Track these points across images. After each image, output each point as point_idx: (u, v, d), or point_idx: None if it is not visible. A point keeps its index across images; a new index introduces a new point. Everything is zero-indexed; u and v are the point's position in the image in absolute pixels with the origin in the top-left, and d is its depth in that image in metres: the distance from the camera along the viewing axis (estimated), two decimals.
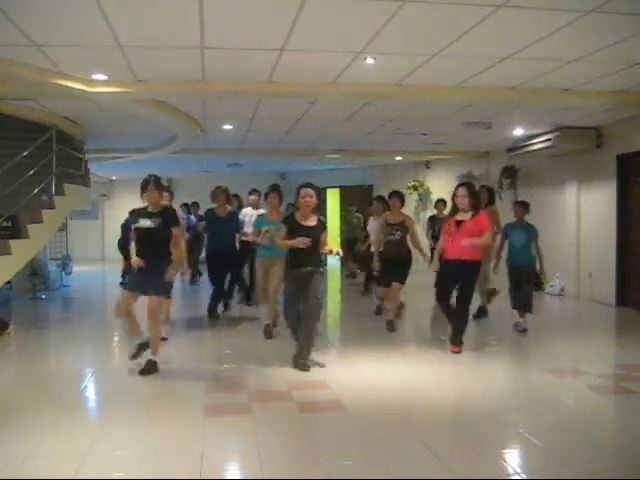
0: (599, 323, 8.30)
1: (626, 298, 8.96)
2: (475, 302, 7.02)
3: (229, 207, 8.11)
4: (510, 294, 7.48)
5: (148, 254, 5.39)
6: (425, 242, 8.76)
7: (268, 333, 6.83)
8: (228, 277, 8.31)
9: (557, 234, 10.34)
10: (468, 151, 12.50)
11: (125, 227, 9.14)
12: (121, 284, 12.17)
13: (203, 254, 9.35)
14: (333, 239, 11.91)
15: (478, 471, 3.40)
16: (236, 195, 9.96)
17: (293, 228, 5.49)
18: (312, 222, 5.56)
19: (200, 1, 4.25)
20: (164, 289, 5.70)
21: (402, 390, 4.98)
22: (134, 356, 5.55)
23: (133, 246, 5.54)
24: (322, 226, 5.62)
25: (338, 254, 5.70)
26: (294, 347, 5.61)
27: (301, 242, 5.34)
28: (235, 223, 8.03)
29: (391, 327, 7.25)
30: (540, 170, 10.88)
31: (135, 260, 5.39)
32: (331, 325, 8.41)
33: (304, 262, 5.45)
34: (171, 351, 6.41)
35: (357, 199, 14.61)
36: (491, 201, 8.07)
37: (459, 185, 6.26)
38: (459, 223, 6.07)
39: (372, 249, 8.38)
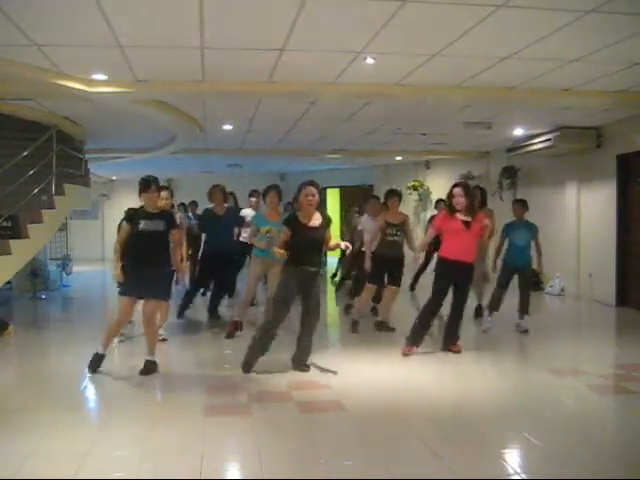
0: (599, 323, 8.30)
1: (626, 298, 8.96)
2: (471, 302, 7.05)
3: (226, 205, 8.09)
4: (496, 293, 7.38)
5: (150, 257, 5.33)
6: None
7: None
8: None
9: (557, 234, 10.34)
10: (468, 151, 12.50)
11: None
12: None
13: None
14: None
15: (478, 471, 3.40)
16: (232, 193, 9.95)
17: (297, 229, 5.30)
18: (316, 221, 5.39)
19: (200, 1, 4.26)
20: (163, 293, 5.67)
21: (402, 390, 4.97)
22: (95, 369, 5.37)
23: (117, 249, 5.35)
24: (327, 223, 5.47)
25: (347, 248, 5.53)
26: (294, 348, 5.60)
27: (278, 253, 5.21)
28: (234, 219, 8.00)
29: (381, 328, 7.28)
30: (540, 170, 10.88)
31: (117, 275, 5.26)
32: (331, 325, 8.41)
33: (309, 261, 5.32)
34: (171, 352, 6.42)
35: (358, 199, 14.57)
36: (483, 202, 8.02)
37: (455, 185, 6.20)
38: (467, 224, 5.97)
39: (363, 249, 8.29)
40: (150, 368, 5.32)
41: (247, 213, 8.29)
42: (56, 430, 4.01)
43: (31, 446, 3.69)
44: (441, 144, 11.37)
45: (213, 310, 8.04)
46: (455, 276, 6.03)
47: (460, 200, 5.99)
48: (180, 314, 8.02)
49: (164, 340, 6.50)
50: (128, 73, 6.02)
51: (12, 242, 7.09)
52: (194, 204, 12.70)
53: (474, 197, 6.29)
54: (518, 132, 9.88)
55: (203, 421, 4.18)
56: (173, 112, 7.85)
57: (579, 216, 9.95)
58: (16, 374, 5.86)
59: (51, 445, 3.75)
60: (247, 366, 5.38)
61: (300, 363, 5.48)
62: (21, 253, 7.36)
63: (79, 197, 9.69)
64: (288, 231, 5.33)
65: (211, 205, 8.01)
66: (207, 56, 5.52)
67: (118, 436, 3.93)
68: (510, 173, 11.39)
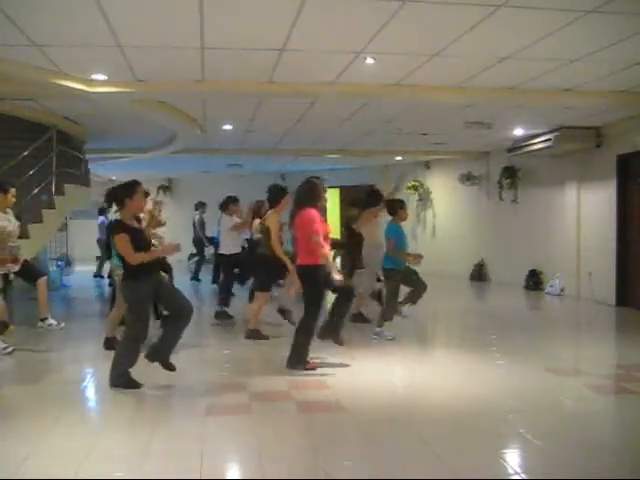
0: (599, 323, 8.29)
1: (626, 298, 8.95)
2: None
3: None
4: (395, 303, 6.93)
5: None
6: None
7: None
8: None
9: (557, 234, 10.35)
10: (468, 151, 12.50)
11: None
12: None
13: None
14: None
15: (478, 471, 3.39)
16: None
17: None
18: None
19: (200, 1, 4.26)
20: None
21: (402, 390, 4.98)
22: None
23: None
24: None
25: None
26: None
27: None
28: None
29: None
30: (540, 170, 10.88)
31: None
32: None
33: None
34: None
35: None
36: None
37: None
38: None
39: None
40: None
41: None
42: (56, 430, 4.01)
43: (31, 446, 3.69)
44: (441, 144, 11.37)
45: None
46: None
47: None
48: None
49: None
50: (128, 73, 6.02)
51: None
52: (202, 205, 12.73)
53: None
54: (518, 132, 9.88)
55: (203, 421, 4.18)
56: (173, 112, 7.86)
57: (579, 216, 9.95)
58: (16, 374, 5.86)
59: (51, 445, 3.75)
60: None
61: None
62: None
63: (79, 197, 9.69)
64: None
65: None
66: (207, 56, 5.53)
67: (118, 436, 3.93)
68: (510, 173, 11.40)
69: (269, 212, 6.79)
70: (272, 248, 6.53)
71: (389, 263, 6.75)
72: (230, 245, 8.20)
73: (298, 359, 5.42)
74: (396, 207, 6.91)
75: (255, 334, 6.74)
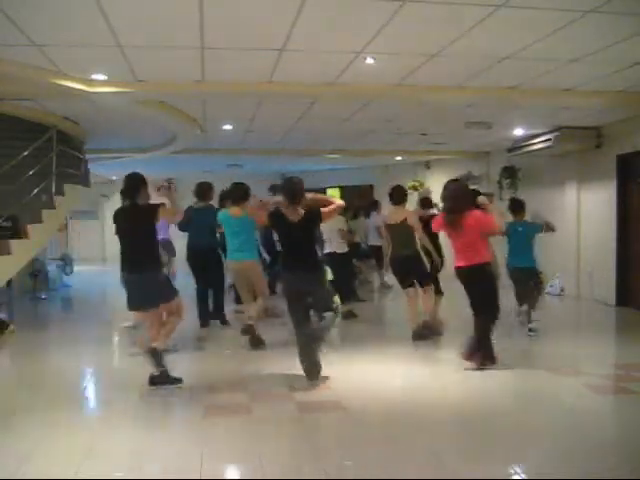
0: (599, 323, 8.29)
1: (626, 298, 8.95)
2: None
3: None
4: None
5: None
6: None
7: None
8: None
9: (557, 234, 10.29)
10: (468, 151, 12.50)
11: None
12: None
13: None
14: None
15: (478, 471, 3.40)
16: None
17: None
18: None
19: (200, 1, 4.26)
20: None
21: (402, 390, 4.98)
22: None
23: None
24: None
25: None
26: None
27: None
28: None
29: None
30: (540, 170, 10.88)
31: None
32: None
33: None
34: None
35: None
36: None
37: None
38: None
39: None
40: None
41: None
42: (56, 430, 4.01)
43: (31, 446, 3.70)
44: (441, 144, 11.37)
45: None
46: None
47: None
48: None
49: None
50: (128, 73, 6.02)
51: (12, 242, 7.10)
52: None
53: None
54: (518, 132, 9.87)
55: (203, 421, 4.19)
56: (173, 112, 7.85)
57: (579, 216, 9.95)
58: (17, 374, 5.87)
59: (51, 445, 3.76)
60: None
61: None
62: (21, 253, 7.36)
63: (79, 197, 9.69)
64: None
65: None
66: (207, 56, 5.52)
67: (118, 436, 3.94)
68: (510, 173, 11.38)
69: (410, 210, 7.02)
70: (423, 245, 6.82)
71: (527, 261, 7.16)
72: (341, 243, 8.21)
73: (490, 356, 5.53)
74: (518, 207, 7.21)
75: (428, 331, 6.72)
